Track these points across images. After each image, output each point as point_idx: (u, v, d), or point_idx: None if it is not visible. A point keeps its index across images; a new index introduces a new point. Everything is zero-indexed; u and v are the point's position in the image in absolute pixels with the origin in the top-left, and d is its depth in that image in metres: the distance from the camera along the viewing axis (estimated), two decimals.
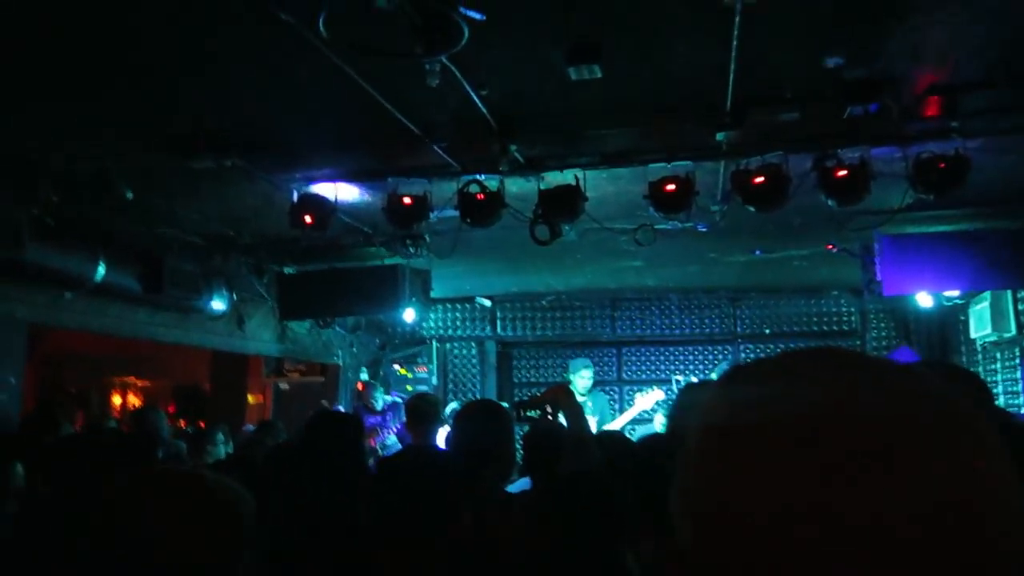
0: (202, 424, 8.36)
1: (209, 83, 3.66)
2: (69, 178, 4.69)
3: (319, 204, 5.05)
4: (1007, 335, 6.95)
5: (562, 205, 4.64)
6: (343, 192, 5.16)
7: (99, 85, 3.63)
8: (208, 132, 4.23)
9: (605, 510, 1.57)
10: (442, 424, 5.00)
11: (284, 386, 10.37)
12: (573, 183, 4.64)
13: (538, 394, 6.18)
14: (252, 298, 7.34)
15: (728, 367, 0.61)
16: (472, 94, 3.66)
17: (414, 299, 7.08)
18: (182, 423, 10.26)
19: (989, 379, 7.59)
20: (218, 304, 6.60)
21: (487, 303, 9.58)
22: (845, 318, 9.16)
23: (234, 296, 6.86)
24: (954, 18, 3.08)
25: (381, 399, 8.02)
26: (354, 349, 9.34)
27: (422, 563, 1.57)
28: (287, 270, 7.13)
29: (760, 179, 4.32)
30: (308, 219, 5.02)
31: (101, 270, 5.27)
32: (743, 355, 9.41)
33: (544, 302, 9.52)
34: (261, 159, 4.54)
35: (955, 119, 4.01)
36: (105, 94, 3.74)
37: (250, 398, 11.19)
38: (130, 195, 4.95)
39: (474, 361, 9.95)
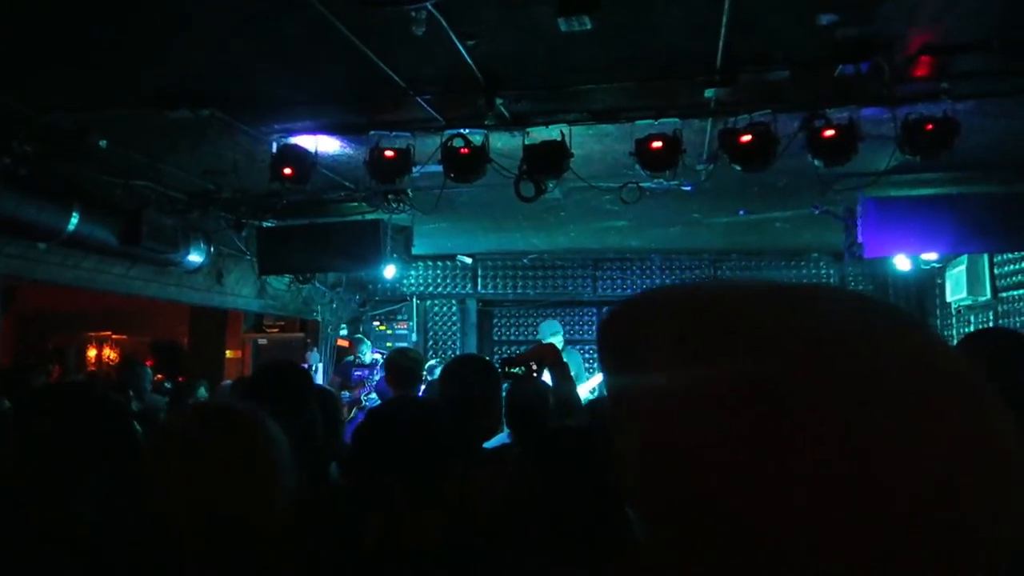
0: (181, 379, 8.29)
1: (189, 33, 3.53)
2: (44, 128, 4.55)
3: (299, 156, 4.95)
4: (982, 299, 7.04)
5: (547, 161, 4.58)
6: (324, 145, 5.06)
7: (77, 35, 3.49)
8: (187, 84, 4.11)
9: (597, 463, 1.56)
10: (423, 381, 4.98)
11: (263, 342, 10.31)
12: (559, 139, 4.58)
13: (522, 352, 6.19)
14: (231, 253, 7.25)
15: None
16: (459, 45, 3.58)
17: (395, 255, 7.02)
18: (160, 377, 10.20)
19: None
20: (196, 258, 6.50)
21: (468, 261, 9.54)
22: (825, 281, 9.22)
23: (212, 250, 6.75)
24: None
25: (369, 353, 8.01)
26: (334, 305, 9.28)
27: (412, 516, 1.55)
28: (267, 224, 7.03)
29: (747, 138, 4.29)
30: (288, 171, 4.93)
31: (74, 220, 5.15)
32: None
33: (526, 261, 9.50)
34: (241, 111, 4.42)
35: (945, 81, 3.99)
36: (83, 44, 3.60)
37: (229, 354, 11.12)
38: (104, 144, 4.82)
39: (454, 319, 9.94)
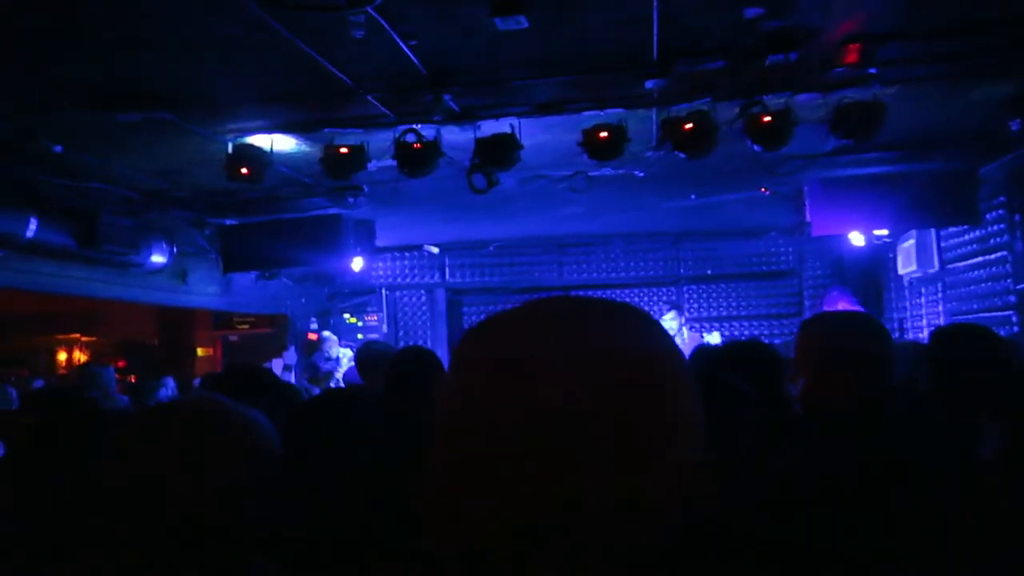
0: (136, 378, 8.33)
1: (135, 37, 3.58)
2: None
3: (255, 155, 5.01)
4: (930, 271, 7.28)
5: (497, 154, 4.69)
6: (280, 143, 5.12)
7: (21, 39, 3.53)
8: (134, 86, 4.15)
9: None
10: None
11: (233, 338, 10.37)
12: (509, 132, 4.69)
13: None
14: (194, 251, 7.28)
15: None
16: (402, 45, 3.67)
17: (359, 248, 7.10)
18: (132, 378, 10.20)
19: (914, 312, 7.98)
20: (158, 258, 6.53)
21: (435, 251, 9.63)
22: (783, 258, 9.44)
23: (175, 250, 6.78)
24: None
25: (334, 348, 8.10)
26: (302, 300, 9.33)
27: (341, 504, 1.67)
28: (228, 222, 7.06)
29: (689, 126, 4.42)
30: (244, 171, 4.98)
31: (32, 226, 5.17)
32: (686, 296, 9.68)
33: (491, 249, 9.60)
34: (191, 113, 4.47)
35: (873, 66, 4.14)
36: (28, 48, 3.64)
37: (200, 351, 11.14)
38: (58, 149, 4.84)
39: (423, 309, 10.04)
